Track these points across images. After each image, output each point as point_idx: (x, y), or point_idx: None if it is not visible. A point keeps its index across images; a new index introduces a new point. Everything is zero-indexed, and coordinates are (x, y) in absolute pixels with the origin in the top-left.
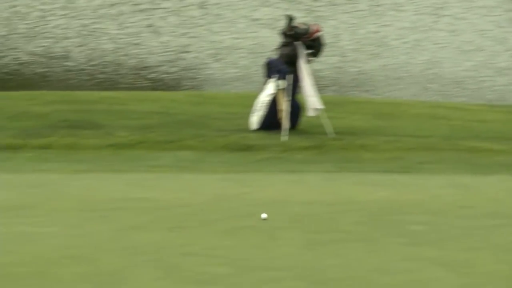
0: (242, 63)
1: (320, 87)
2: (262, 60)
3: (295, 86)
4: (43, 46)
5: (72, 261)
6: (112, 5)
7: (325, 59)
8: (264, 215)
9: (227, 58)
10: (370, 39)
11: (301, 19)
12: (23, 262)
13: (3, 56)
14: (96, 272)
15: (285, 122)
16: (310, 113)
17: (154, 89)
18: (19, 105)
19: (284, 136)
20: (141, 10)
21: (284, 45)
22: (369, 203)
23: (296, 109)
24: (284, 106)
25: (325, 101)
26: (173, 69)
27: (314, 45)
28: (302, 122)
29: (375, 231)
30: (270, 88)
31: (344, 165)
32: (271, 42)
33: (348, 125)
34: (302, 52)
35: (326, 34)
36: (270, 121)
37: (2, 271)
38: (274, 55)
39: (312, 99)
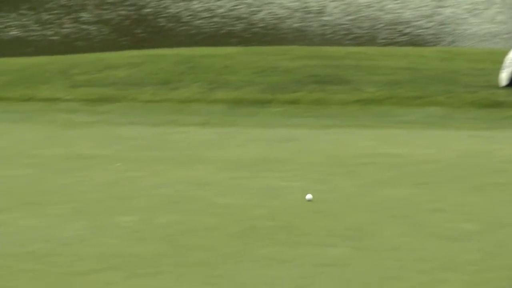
0: (499, 18)
1: None
2: None
3: None
4: (299, 0)
5: (318, 216)
6: None
7: None
8: (309, 196)
9: (484, 13)
10: None
11: None
12: (270, 215)
13: (259, 11)
14: (342, 227)
15: None
16: None
17: (411, 44)
18: (268, 60)
19: None
20: None
21: None
22: None
23: None
24: None
25: None
26: (430, 24)
27: None
28: None
29: None
30: None
31: None
32: None
33: None
34: None
35: None
36: None
37: (250, 224)
38: None
39: None
